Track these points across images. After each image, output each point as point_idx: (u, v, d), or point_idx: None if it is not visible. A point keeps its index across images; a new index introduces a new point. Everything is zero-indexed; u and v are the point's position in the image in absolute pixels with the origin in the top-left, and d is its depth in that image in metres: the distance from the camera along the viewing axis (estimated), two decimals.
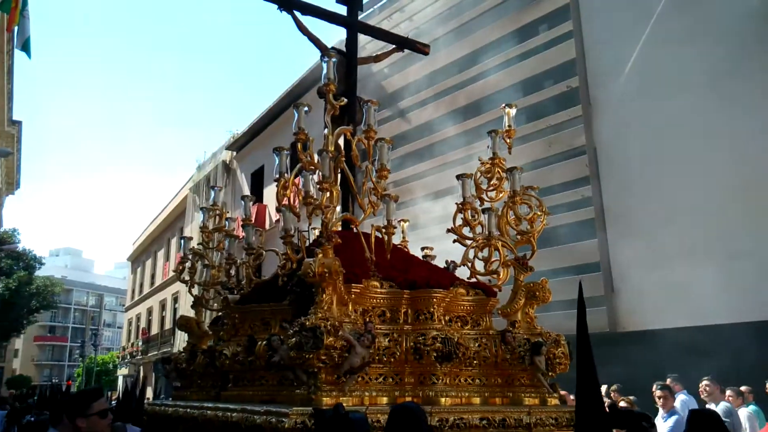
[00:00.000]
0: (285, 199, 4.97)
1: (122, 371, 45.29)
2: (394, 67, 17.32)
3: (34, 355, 72.23)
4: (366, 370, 4.51)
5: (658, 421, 7.55)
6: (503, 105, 5.66)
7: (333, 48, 6.74)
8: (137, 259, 43.67)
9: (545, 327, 5.20)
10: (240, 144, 26.48)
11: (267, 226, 21.08)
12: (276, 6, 6.23)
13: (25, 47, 16.30)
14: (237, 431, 4.49)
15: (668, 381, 8.73)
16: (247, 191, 25.39)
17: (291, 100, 21.67)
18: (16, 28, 15.63)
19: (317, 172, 4.82)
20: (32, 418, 11.77)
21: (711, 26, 11.77)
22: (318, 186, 4.70)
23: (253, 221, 6.16)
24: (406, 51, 7.26)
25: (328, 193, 4.70)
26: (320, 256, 4.47)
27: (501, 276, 5.36)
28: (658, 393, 7.91)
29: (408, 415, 3.14)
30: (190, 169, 32.26)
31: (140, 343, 37.81)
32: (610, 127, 13.15)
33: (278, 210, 5.11)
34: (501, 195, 5.48)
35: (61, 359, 73.98)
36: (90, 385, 44.22)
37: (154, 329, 35.99)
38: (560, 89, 14.14)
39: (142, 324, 39.14)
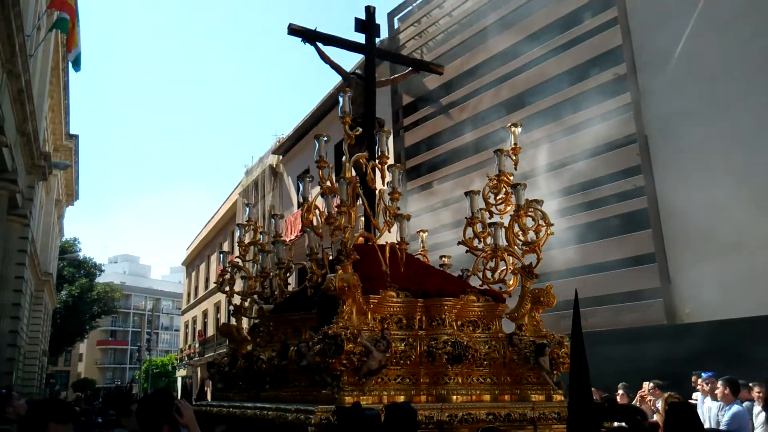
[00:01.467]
0: (308, 220, 5.52)
1: (181, 372, 46.65)
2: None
3: (97, 358, 74.99)
4: (384, 371, 5.05)
5: (713, 413, 7.57)
6: (509, 124, 6.09)
7: (354, 73, 7.32)
8: (192, 263, 44.71)
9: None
10: (286, 147, 26.75)
11: None
12: (300, 39, 6.81)
13: (75, 61, 17.26)
14: (272, 427, 5.09)
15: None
16: (293, 194, 26.04)
17: (334, 102, 22.05)
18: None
19: (338, 195, 5.38)
20: (99, 420, 12.70)
21: (762, 7, 11.42)
22: (337, 208, 5.26)
23: (283, 237, 6.75)
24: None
25: (346, 215, 5.25)
26: (340, 271, 5.02)
27: (510, 283, 5.83)
28: (719, 385, 7.67)
29: (400, 412, 3.69)
30: (239, 174, 33.09)
31: (197, 345, 38.88)
32: (660, 114, 12.72)
33: (302, 231, 5.68)
34: (509, 208, 5.93)
35: (123, 362, 76.65)
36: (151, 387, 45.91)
37: (210, 331, 36.88)
38: (607, 77, 13.81)
39: (198, 326, 40.24)
